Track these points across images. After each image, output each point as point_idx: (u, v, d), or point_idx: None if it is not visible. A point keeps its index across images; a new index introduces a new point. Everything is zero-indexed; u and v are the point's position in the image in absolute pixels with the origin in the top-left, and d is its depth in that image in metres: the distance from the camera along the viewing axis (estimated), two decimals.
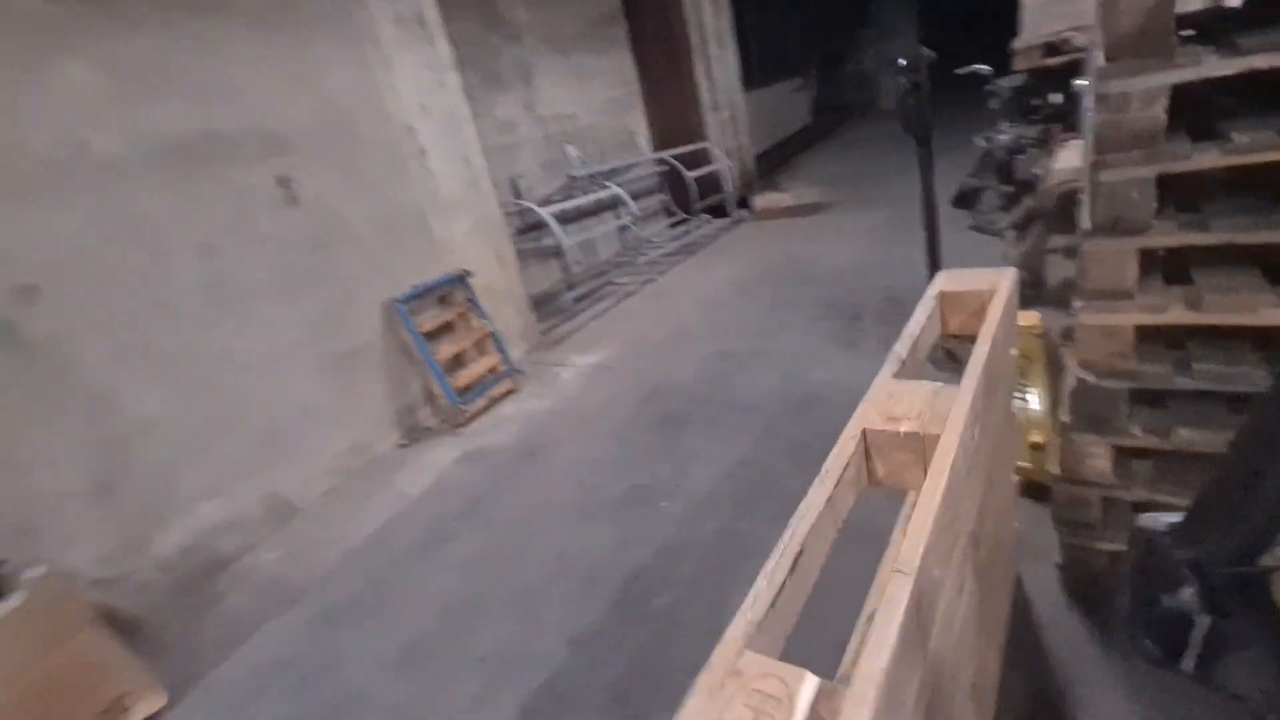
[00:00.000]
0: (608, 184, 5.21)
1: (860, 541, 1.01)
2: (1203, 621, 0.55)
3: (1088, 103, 2.09)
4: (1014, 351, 1.51)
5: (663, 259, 5.47)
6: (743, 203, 6.59)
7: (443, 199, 3.47)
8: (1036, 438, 1.86)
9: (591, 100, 5.55)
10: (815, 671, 0.56)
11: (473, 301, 3.54)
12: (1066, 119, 3.87)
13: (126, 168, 2.30)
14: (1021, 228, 3.75)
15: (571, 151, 5.14)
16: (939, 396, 0.92)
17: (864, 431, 0.89)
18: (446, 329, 3.44)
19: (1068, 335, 2.35)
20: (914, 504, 0.77)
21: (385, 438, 3.20)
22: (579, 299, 4.86)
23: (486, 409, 3.41)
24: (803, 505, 0.79)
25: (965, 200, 4.72)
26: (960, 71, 4.32)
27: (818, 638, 0.82)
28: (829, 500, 0.78)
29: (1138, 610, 0.74)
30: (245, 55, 2.63)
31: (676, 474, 2.50)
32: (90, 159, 2.21)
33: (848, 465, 0.84)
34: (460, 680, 1.79)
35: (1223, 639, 0.54)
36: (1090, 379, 1.35)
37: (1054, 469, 1.60)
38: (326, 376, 2.93)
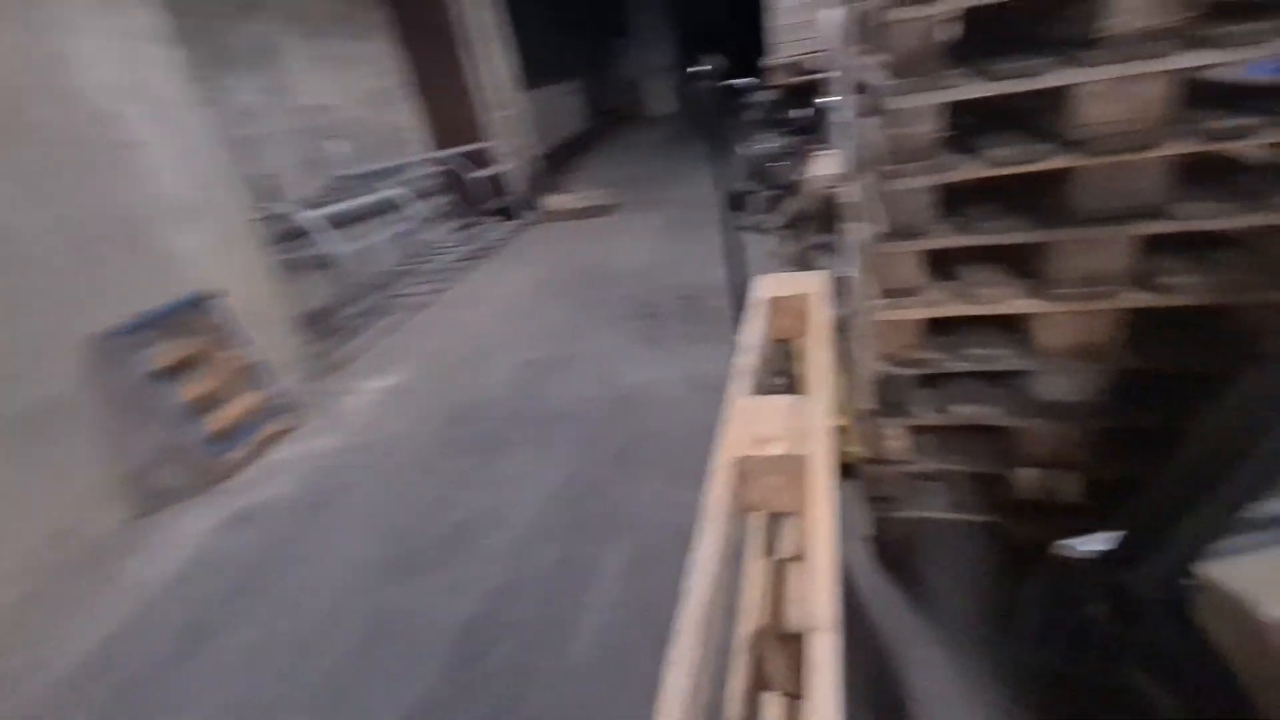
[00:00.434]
0: (382, 184, 4.70)
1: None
2: (1115, 633, 0.59)
3: (839, 118, 2.36)
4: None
5: (454, 265, 5.11)
6: (532, 204, 6.46)
7: (170, 203, 2.78)
8: (839, 421, 2.04)
9: (354, 91, 4.96)
10: None
11: (224, 327, 2.90)
12: (815, 131, 4.41)
13: None
14: (788, 228, 4.19)
15: (335, 147, 4.53)
16: (798, 411, 0.90)
17: (736, 459, 0.83)
18: (190, 363, 2.77)
19: (842, 325, 2.65)
20: (797, 528, 0.73)
21: (104, 514, 2.46)
22: (362, 314, 4.31)
23: (254, 456, 2.82)
24: (693, 572, 0.69)
25: (736, 203, 5.16)
26: (721, 85, 4.67)
27: None
28: (715, 558, 0.70)
29: (1048, 626, 0.78)
30: None
31: (498, 503, 2.30)
32: None
33: (725, 506, 0.77)
34: None
35: (1134, 650, 0.59)
36: (889, 369, 1.48)
37: (857, 450, 1.75)
38: None
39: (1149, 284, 1.25)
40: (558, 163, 8.61)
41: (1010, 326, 1.45)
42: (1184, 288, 1.22)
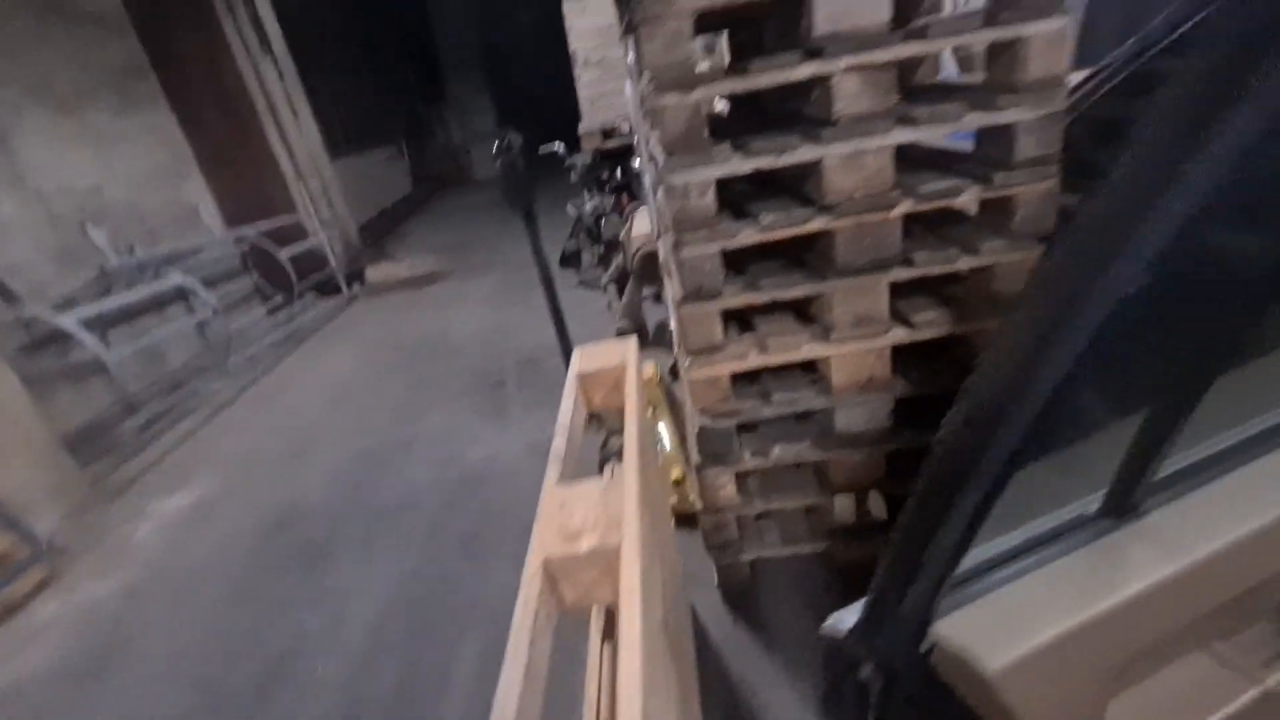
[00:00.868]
0: (172, 271, 4.15)
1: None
2: (881, 697, 0.63)
3: (646, 181, 2.50)
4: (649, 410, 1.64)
5: (265, 353, 4.61)
6: (355, 277, 6.08)
7: None
8: (676, 474, 2.08)
9: (123, 169, 4.38)
10: None
11: None
12: (630, 189, 4.66)
13: None
14: (617, 282, 4.33)
15: (98, 235, 3.94)
16: (609, 496, 0.89)
17: (545, 562, 0.80)
18: None
19: (674, 372, 2.76)
20: (614, 622, 0.71)
21: None
22: (150, 422, 3.71)
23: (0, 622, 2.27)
24: (501, 686, 0.64)
25: (570, 260, 5.27)
26: (541, 150, 4.80)
27: None
28: (526, 670, 0.66)
29: (834, 693, 0.82)
30: None
31: (330, 622, 2.04)
32: None
33: (537, 613, 0.73)
34: None
35: (897, 703, 0.63)
36: (708, 423, 1.54)
37: (695, 500, 1.80)
38: None
39: (907, 321, 1.43)
40: (382, 231, 8.25)
41: (810, 368, 1.59)
42: (931, 322, 1.41)
